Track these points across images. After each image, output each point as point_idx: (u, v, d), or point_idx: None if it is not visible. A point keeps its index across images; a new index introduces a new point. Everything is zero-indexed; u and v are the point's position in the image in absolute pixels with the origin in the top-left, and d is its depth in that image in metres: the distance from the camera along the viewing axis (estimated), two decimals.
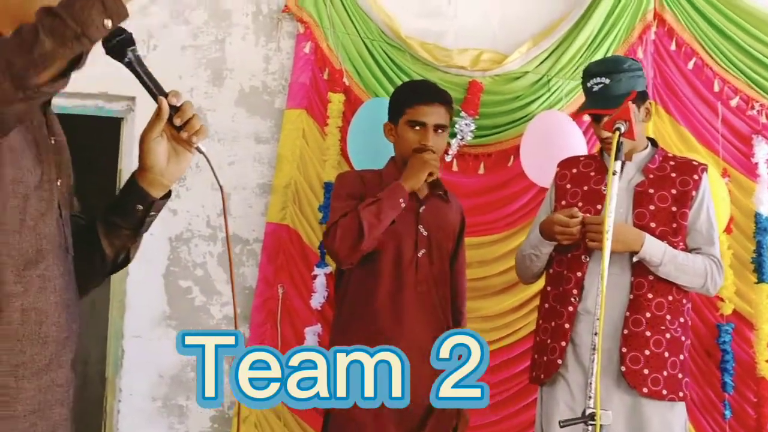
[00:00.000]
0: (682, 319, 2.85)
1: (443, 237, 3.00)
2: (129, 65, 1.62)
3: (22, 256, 1.50)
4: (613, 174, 2.45)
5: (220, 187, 1.70)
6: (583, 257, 2.85)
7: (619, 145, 2.49)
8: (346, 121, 3.62)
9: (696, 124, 3.70)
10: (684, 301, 2.88)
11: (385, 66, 3.67)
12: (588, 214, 2.82)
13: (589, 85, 2.93)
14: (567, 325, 2.82)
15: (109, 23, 1.39)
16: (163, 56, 3.62)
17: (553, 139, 3.48)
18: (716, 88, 3.71)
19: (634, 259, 2.79)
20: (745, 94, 3.69)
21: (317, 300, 3.53)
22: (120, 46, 1.59)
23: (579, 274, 2.84)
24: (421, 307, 2.88)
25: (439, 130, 2.95)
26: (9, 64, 1.33)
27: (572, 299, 2.83)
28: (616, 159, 2.46)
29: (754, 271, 3.62)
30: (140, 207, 1.72)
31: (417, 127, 2.92)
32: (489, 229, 3.64)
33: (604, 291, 2.23)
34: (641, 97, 2.89)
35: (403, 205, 2.83)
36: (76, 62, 1.40)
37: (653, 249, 2.78)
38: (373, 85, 3.65)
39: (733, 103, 3.70)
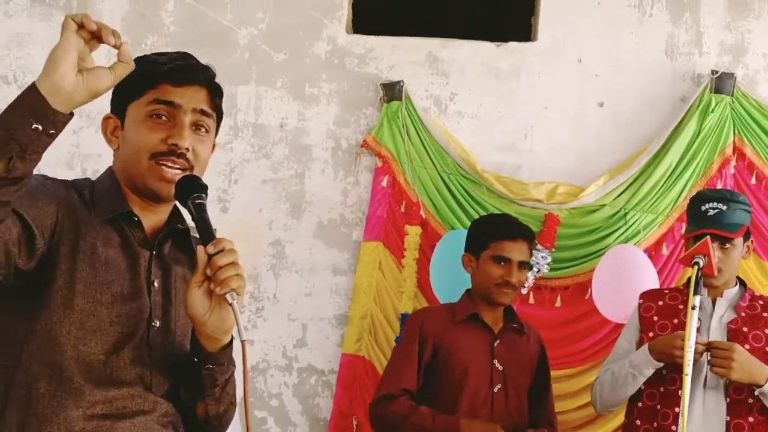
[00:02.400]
0: None
1: (519, 371, 3.27)
2: (189, 210, 1.77)
3: None
4: (692, 308, 2.77)
5: (242, 341, 1.68)
6: (679, 392, 2.99)
7: (699, 279, 2.81)
8: (423, 254, 4.03)
9: None
10: None
11: (462, 199, 4.09)
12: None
13: (703, 209, 3.10)
14: None
15: (39, 127, 1.51)
16: (245, 189, 4.13)
17: (626, 274, 3.79)
18: None
19: (756, 392, 2.95)
20: None
21: None
22: (183, 192, 1.78)
23: (677, 409, 3.01)
24: None
25: (522, 267, 3.27)
26: None
27: None
28: (695, 294, 2.79)
29: None
30: (195, 359, 1.80)
31: (502, 263, 3.23)
32: (566, 363, 3.94)
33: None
34: (747, 234, 3.15)
35: None
36: (13, 170, 1.51)
37: None
38: (449, 217, 4.06)
39: None
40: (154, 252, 1.86)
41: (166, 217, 1.92)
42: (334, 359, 4.05)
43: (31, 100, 1.52)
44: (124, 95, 1.86)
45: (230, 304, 1.68)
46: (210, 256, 1.68)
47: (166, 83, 1.85)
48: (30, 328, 1.67)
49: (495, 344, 3.25)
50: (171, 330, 1.86)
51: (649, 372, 3.05)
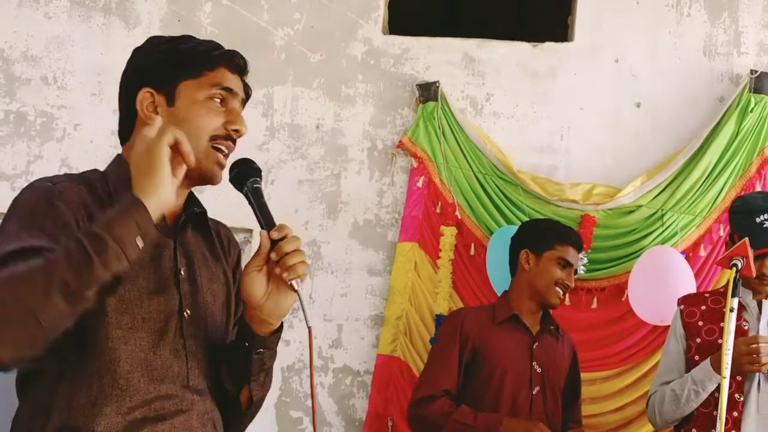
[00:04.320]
0: None
1: (555, 374, 3.53)
2: (246, 195, 1.87)
3: None
4: (731, 311, 2.93)
5: (309, 327, 1.82)
6: (736, 396, 3.15)
7: (737, 281, 2.98)
8: (458, 254, 4.31)
9: None
10: None
11: (497, 200, 4.36)
12: None
13: (758, 220, 3.25)
14: None
15: (141, 242, 1.65)
16: (281, 190, 4.43)
17: (663, 276, 4.02)
18: None
19: None
20: None
21: None
22: (241, 176, 1.89)
23: (735, 414, 3.14)
24: None
25: (574, 274, 3.62)
26: (64, 284, 1.58)
27: None
28: (733, 296, 2.96)
29: None
30: (246, 344, 1.88)
31: (564, 266, 3.55)
32: (602, 365, 4.19)
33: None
34: None
35: None
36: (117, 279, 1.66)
37: None
38: (485, 218, 4.33)
39: None
40: (177, 240, 1.92)
41: (183, 202, 1.98)
42: (370, 360, 4.34)
43: (141, 218, 1.66)
44: (175, 72, 1.91)
45: (296, 291, 1.81)
46: (275, 242, 1.80)
47: (225, 68, 1.94)
48: (66, 336, 1.65)
49: (534, 346, 3.49)
50: (202, 318, 1.92)
51: (712, 387, 3.16)
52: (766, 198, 3.49)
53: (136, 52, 2.00)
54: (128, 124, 1.96)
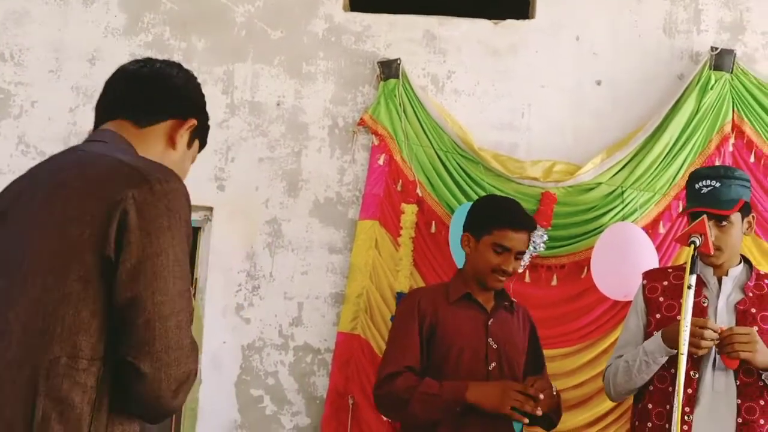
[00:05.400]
0: None
1: (512, 349, 3.61)
2: None
3: None
4: (688, 288, 3.01)
5: None
6: (692, 373, 3.23)
7: (695, 258, 3.09)
8: (419, 232, 4.45)
9: None
10: None
11: (458, 177, 4.50)
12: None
13: (697, 186, 3.36)
14: None
15: None
16: (241, 168, 4.56)
17: (625, 251, 4.17)
18: None
19: (764, 376, 3.25)
20: None
21: None
22: None
23: (690, 390, 3.22)
24: (488, 420, 3.42)
25: (520, 256, 3.60)
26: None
27: (685, 417, 3.18)
28: (691, 273, 3.05)
29: None
30: None
31: (501, 251, 3.53)
32: (562, 342, 4.35)
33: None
34: (746, 209, 3.43)
35: (458, 410, 3.32)
36: None
37: None
38: (446, 196, 4.47)
39: None
40: None
41: None
42: (330, 338, 4.47)
43: None
44: None
45: None
46: None
47: None
48: None
49: (489, 323, 3.57)
50: None
51: (663, 359, 3.30)
52: (711, 168, 3.64)
53: None
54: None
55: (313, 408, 4.44)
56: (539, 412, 3.34)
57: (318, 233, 4.57)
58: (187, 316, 1.91)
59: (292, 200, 4.59)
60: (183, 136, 2.18)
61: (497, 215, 3.59)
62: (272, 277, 4.50)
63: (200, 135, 2.28)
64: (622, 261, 4.11)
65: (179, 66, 2.28)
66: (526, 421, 3.38)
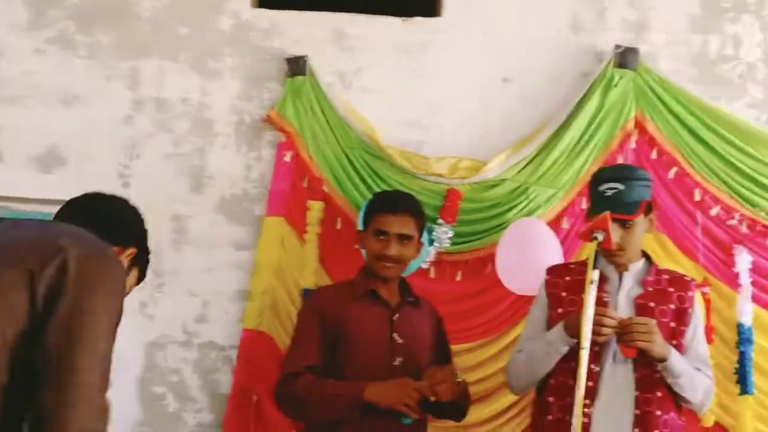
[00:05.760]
0: None
1: (418, 344, 3.68)
2: None
3: None
4: (591, 283, 3.14)
5: None
6: (593, 366, 3.32)
7: (597, 254, 3.20)
8: (325, 229, 4.48)
9: (677, 233, 4.49)
10: (681, 417, 3.53)
11: (365, 174, 4.54)
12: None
13: (601, 189, 3.48)
14: None
15: None
16: (146, 164, 4.57)
17: (530, 246, 4.25)
18: (697, 197, 4.52)
19: (659, 367, 3.37)
20: (725, 203, 4.51)
21: None
22: None
23: (590, 383, 3.29)
24: (394, 418, 3.49)
25: (405, 240, 3.66)
26: None
27: (585, 410, 3.25)
28: (594, 268, 3.18)
29: (736, 382, 4.35)
30: None
31: (381, 236, 3.64)
32: (465, 337, 4.39)
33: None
34: (648, 208, 3.57)
35: (353, 410, 3.40)
36: None
37: (677, 358, 3.42)
38: (352, 193, 4.50)
39: (714, 212, 4.51)
40: None
41: None
42: (235, 335, 4.48)
43: None
44: None
45: None
46: None
47: None
48: None
49: (394, 318, 3.64)
50: None
51: (564, 350, 3.40)
52: (614, 169, 3.74)
53: None
54: None
55: (217, 405, 4.46)
56: (434, 398, 3.42)
57: (223, 230, 4.59)
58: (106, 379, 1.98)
59: (197, 197, 4.60)
60: (123, 262, 2.31)
61: (374, 204, 3.73)
62: (177, 273, 4.52)
63: (139, 265, 2.49)
64: (527, 256, 4.18)
65: (126, 201, 2.59)
66: (415, 416, 3.45)
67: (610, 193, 3.46)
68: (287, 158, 4.59)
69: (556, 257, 4.23)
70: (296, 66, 4.63)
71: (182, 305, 4.52)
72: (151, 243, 4.38)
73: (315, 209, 4.51)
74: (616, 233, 3.42)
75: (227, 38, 4.72)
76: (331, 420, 3.46)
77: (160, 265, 4.50)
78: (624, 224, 3.45)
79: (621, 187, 3.45)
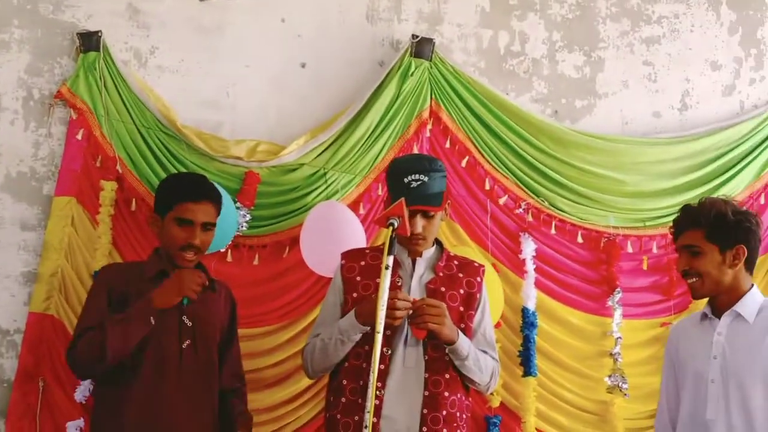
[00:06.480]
0: (465, 416, 3.68)
1: (209, 327, 3.71)
2: None
3: None
4: (386, 268, 3.21)
5: None
6: (384, 349, 3.45)
7: (393, 240, 3.29)
8: (118, 210, 4.44)
9: (468, 221, 4.76)
10: (468, 398, 3.73)
11: (161, 155, 4.53)
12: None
13: (406, 180, 3.56)
14: (375, 420, 3.39)
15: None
16: None
17: (334, 228, 4.37)
18: (487, 186, 4.80)
19: (448, 350, 3.53)
20: (513, 193, 4.83)
21: (81, 393, 4.23)
22: None
23: (382, 366, 3.43)
24: (185, 399, 3.58)
25: (207, 228, 3.69)
26: None
27: (377, 392, 3.39)
28: (389, 254, 3.25)
29: (520, 364, 4.67)
30: None
31: (184, 225, 3.64)
32: (262, 321, 4.49)
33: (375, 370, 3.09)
34: (446, 198, 3.71)
35: (152, 322, 3.45)
36: None
37: (464, 341, 3.59)
38: (147, 173, 4.49)
39: (502, 201, 4.82)
40: None
41: None
42: (21, 318, 4.39)
43: None
44: None
45: None
46: None
47: None
48: None
49: (184, 301, 3.63)
50: None
51: (357, 337, 3.53)
52: (415, 160, 3.87)
53: None
54: None
55: (1, 392, 4.34)
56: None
57: (9, 209, 4.48)
58: None
59: None
60: None
61: (177, 190, 3.71)
62: None
63: None
64: (331, 239, 4.28)
65: None
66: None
67: (415, 184, 3.57)
68: (79, 136, 4.51)
69: (360, 240, 4.38)
70: (89, 41, 4.57)
71: None
72: None
73: (108, 189, 4.46)
74: (419, 224, 3.60)
75: (15, 9, 4.60)
76: (133, 345, 3.45)
77: None
78: (427, 214, 3.62)
79: (425, 178, 3.58)
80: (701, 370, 3.48)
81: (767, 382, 3.35)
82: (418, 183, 3.58)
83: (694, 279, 3.49)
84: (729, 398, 3.39)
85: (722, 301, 3.51)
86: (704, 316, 3.58)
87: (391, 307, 3.38)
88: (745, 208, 3.64)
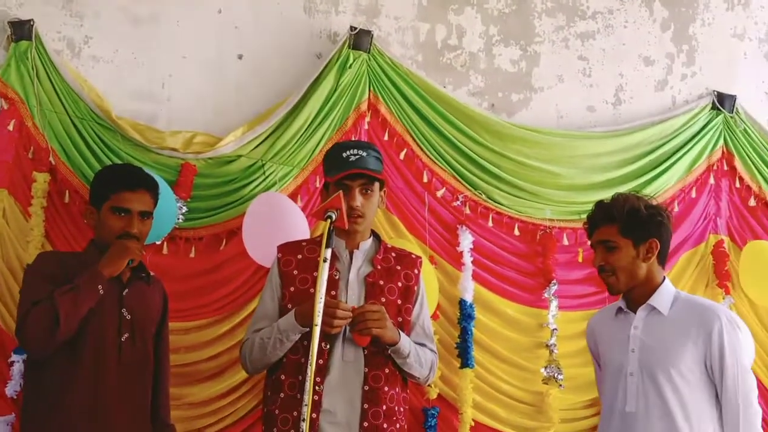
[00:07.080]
0: (404, 409, 3.70)
1: (146, 320, 3.72)
2: None
3: None
4: (324, 261, 3.18)
5: None
6: (323, 345, 3.46)
7: (330, 232, 3.27)
8: (51, 202, 4.38)
9: (406, 213, 4.79)
10: (406, 391, 3.76)
11: (95, 146, 4.47)
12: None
13: (345, 155, 3.62)
14: (314, 415, 3.44)
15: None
16: None
17: (278, 220, 4.37)
18: (425, 179, 4.85)
19: (390, 351, 3.56)
20: (451, 185, 4.88)
21: (13, 388, 4.17)
22: None
23: (321, 361, 3.45)
24: (122, 393, 3.58)
25: (144, 217, 3.70)
26: None
27: (316, 387, 3.46)
28: (327, 246, 3.23)
29: (458, 356, 4.72)
30: None
31: (122, 214, 3.64)
32: (198, 314, 4.47)
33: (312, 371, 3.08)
34: (382, 184, 3.75)
35: (101, 291, 3.49)
36: None
37: (405, 340, 3.61)
38: (80, 164, 4.43)
39: (440, 193, 4.86)
40: None
41: None
42: None
43: None
44: None
45: None
46: None
47: None
48: None
49: (123, 293, 3.65)
50: None
51: (296, 337, 3.53)
52: (354, 142, 4.01)
53: None
54: None
55: None
56: None
57: None
58: None
59: None
60: None
61: (112, 179, 3.71)
62: None
63: None
64: (274, 230, 4.27)
65: None
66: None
67: (354, 158, 3.63)
68: (10, 127, 4.43)
69: (304, 231, 4.40)
70: (21, 30, 4.49)
71: None
72: None
73: (41, 181, 4.39)
74: (358, 198, 3.62)
75: None
76: (83, 314, 3.44)
77: None
78: (365, 191, 3.65)
79: (364, 153, 3.65)
80: (619, 363, 3.57)
81: (682, 372, 3.44)
82: (357, 157, 3.64)
83: (610, 276, 3.59)
84: (647, 391, 3.47)
85: (637, 294, 3.61)
86: (619, 309, 3.68)
87: (331, 316, 3.41)
88: (656, 203, 3.73)
